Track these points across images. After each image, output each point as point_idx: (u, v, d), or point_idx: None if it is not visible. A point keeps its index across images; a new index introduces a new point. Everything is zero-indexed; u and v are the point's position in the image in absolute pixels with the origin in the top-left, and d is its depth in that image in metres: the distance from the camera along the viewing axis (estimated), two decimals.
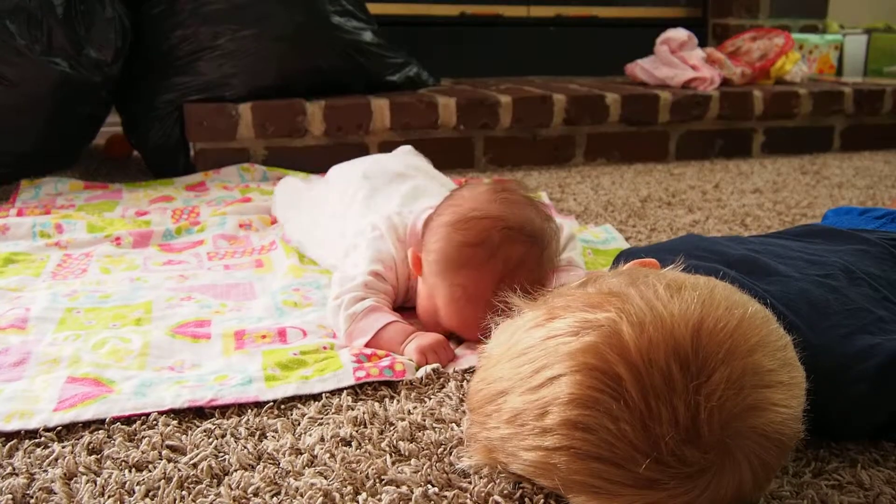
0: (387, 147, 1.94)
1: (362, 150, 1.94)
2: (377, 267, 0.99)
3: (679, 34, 2.37)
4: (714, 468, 0.52)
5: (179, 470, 0.67)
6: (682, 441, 0.51)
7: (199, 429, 0.75)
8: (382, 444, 0.72)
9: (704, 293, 0.56)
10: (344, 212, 1.21)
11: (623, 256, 0.87)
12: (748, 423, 0.53)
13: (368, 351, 0.90)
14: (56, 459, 0.69)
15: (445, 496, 0.64)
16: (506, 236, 0.89)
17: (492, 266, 0.88)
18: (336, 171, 1.40)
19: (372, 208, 1.16)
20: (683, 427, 0.51)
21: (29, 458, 0.70)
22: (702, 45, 2.50)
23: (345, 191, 1.25)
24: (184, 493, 0.65)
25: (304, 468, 0.68)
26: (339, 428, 0.74)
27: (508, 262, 0.88)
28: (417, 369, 0.87)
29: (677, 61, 2.33)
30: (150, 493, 0.65)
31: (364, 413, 0.77)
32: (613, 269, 0.80)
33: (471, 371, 0.88)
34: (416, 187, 1.20)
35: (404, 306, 1.05)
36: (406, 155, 1.46)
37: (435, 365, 0.88)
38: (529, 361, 0.57)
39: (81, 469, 0.68)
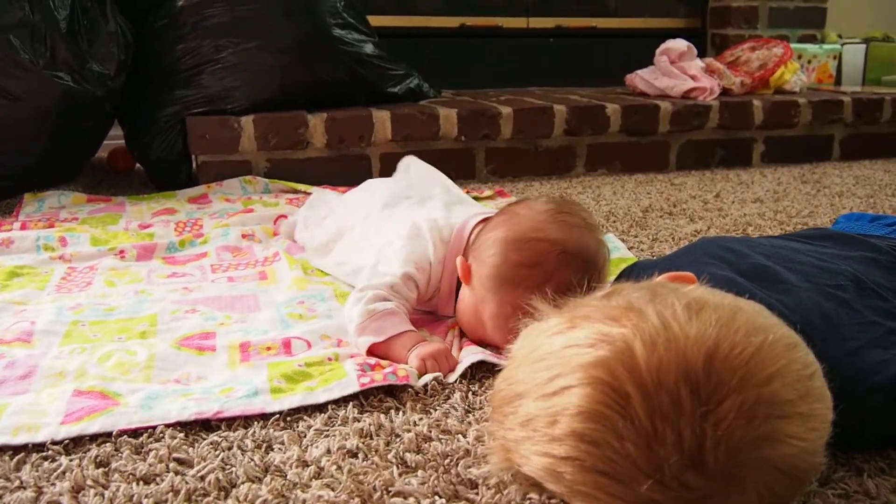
0: (388, 158, 1.95)
1: (364, 162, 1.95)
2: (410, 269, 1.00)
3: (678, 45, 2.38)
4: (718, 496, 0.51)
5: (187, 482, 0.67)
6: (685, 466, 0.50)
7: (205, 441, 0.75)
8: (389, 456, 0.72)
9: (725, 316, 0.55)
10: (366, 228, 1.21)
11: (636, 270, 0.87)
12: (758, 453, 0.51)
13: (372, 361, 0.90)
14: (64, 473, 0.69)
15: None
16: (562, 261, 0.90)
17: (546, 288, 0.87)
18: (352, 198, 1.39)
19: (403, 214, 1.17)
20: (688, 453, 0.50)
21: (37, 471, 0.70)
22: (701, 55, 2.51)
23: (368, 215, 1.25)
24: None
25: (311, 480, 0.68)
26: (346, 440, 0.75)
27: (561, 285, 0.87)
28: (419, 377, 0.88)
29: (677, 72, 2.34)
30: None
31: (370, 425, 0.77)
32: (617, 282, 0.80)
33: (473, 381, 0.88)
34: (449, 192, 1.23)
35: (420, 310, 1.06)
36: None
37: (437, 374, 0.88)
38: (546, 368, 0.57)
39: (89, 482, 0.68)
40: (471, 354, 0.92)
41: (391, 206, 1.22)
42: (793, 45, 2.59)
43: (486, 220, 1.05)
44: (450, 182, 1.41)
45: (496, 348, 0.93)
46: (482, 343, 0.96)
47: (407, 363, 0.91)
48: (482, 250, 0.95)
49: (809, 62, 2.77)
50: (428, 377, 0.87)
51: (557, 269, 0.90)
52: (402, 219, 1.13)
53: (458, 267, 0.98)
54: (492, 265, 0.93)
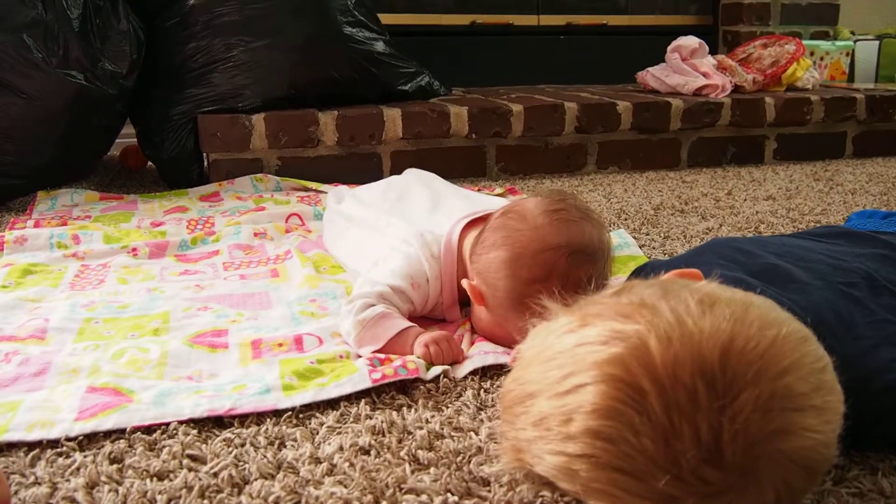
0: (399, 156, 1.95)
1: (375, 160, 1.95)
2: (402, 284, 0.99)
3: (690, 42, 2.37)
4: (735, 490, 0.51)
5: (200, 479, 0.68)
6: (703, 460, 0.50)
7: (218, 438, 0.75)
8: (401, 453, 0.72)
9: (738, 311, 0.55)
10: (374, 225, 1.22)
11: (647, 270, 0.87)
12: (775, 446, 0.51)
13: (382, 356, 0.90)
14: (78, 469, 0.70)
15: None
16: (572, 263, 0.90)
17: (564, 291, 0.88)
18: (362, 194, 1.40)
19: (398, 214, 1.17)
20: (705, 447, 0.50)
21: (51, 467, 0.70)
22: (713, 52, 2.50)
23: (372, 212, 1.26)
24: (205, 502, 0.65)
25: (323, 477, 0.68)
26: (358, 437, 0.75)
27: (579, 283, 0.88)
28: (428, 369, 0.88)
29: (688, 69, 2.33)
30: (172, 502, 0.65)
31: (382, 422, 0.78)
32: (631, 279, 0.80)
33: (485, 378, 0.88)
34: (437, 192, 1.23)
35: (426, 316, 1.06)
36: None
37: (445, 367, 0.88)
38: (558, 367, 0.57)
39: (103, 478, 0.68)
40: (482, 354, 0.92)
41: (387, 209, 1.23)
42: (805, 42, 2.57)
43: (470, 224, 1.04)
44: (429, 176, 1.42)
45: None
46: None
47: (411, 353, 0.91)
48: (489, 273, 0.94)
49: (822, 59, 2.76)
50: (437, 369, 0.88)
51: (570, 271, 0.89)
52: (390, 230, 1.14)
53: (468, 290, 0.97)
54: (505, 288, 0.92)
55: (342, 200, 1.38)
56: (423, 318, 1.05)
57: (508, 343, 0.94)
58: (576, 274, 0.89)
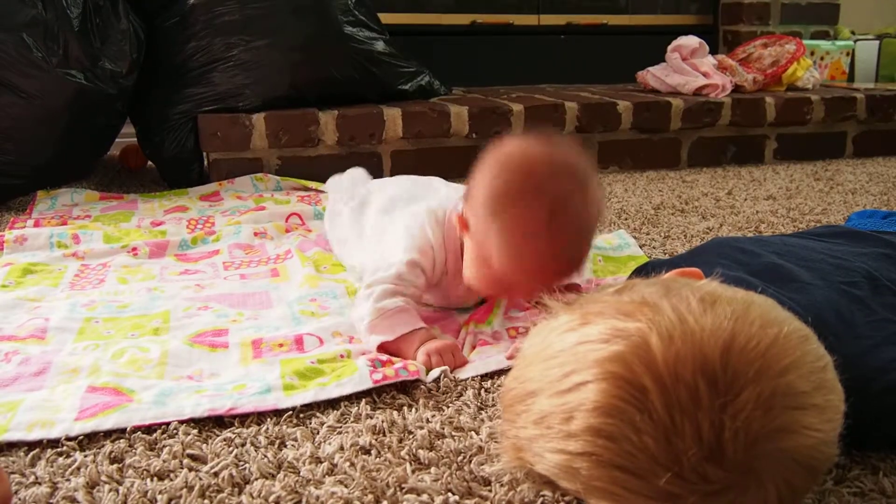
0: (399, 155, 1.95)
1: (375, 159, 1.95)
2: (414, 256, 0.99)
3: (690, 41, 2.37)
4: (737, 488, 0.51)
5: (201, 479, 0.68)
6: (704, 458, 0.50)
7: (219, 438, 0.75)
8: (402, 453, 0.72)
9: (739, 309, 0.55)
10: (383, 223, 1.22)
11: (648, 269, 0.87)
12: (776, 444, 0.52)
13: (384, 357, 0.90)
14: (78, 468, 0.70)
15: None
16: (551, 171, 0.88)
17: (542, 200, 0.87)
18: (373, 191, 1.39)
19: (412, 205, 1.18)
20: (707, 444, 0.50)
21: (51, 466, 0.70)
22: (713, 52, 2.50)
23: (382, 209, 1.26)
24: (206, 501, 0.65)
25: (324, 476, 0.68)
26: (359, 436, 0.75)
27: (557, 197, 0.87)
28: (427, 373, 0.88)
29: (689, 69, 2.33)
30: (173, 502, 0.65)
31: (383, 422, 0.77)
32: (632, 279, 0.80)
33: (486, 378, 0.88)
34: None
35: (431, 307, 1.07)
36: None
37: (444, 368, 0.88)
38: (559, 365, 0.57)
39: (104, 478, 0.68)
40: (485, 357, 0.92)
41: (390, 211, 1.22)
42: (805, 42, 2.57)
43: None
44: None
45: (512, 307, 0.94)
46: (500, 295, 0.98)
47: (413, 358, 0.91)
48: (473, 189, 0.93)
49: (822, 59, 2.75)
50: (437, 371, 0.88)
51: (548, 179, 0.88)
52: (401, 217, 1.13)
53: (455, 222, 0.97)
54: (483, 187, 0.91)
55: (354, 200, 1.36)
56: (427, 309, 1.05)
57: (493, 285, 0.95)
58: (555, 185, 0.88)
